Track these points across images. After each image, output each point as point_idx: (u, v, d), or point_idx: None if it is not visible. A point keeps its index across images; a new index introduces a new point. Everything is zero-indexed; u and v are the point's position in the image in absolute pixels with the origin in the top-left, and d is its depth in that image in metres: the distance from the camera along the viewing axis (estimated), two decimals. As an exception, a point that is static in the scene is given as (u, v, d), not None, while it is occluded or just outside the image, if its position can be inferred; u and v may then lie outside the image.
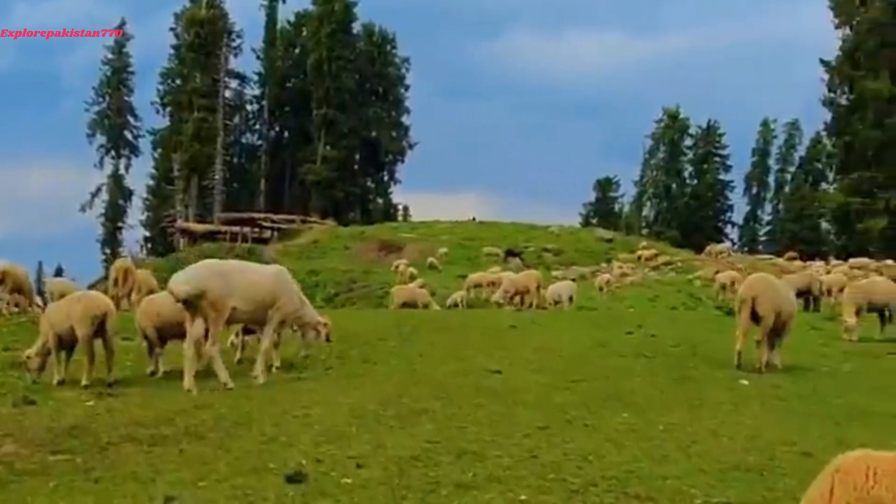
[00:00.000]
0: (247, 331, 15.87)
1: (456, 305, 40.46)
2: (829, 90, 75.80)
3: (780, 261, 54.74)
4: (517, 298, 29.88)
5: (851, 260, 50.09)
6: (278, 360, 14.58)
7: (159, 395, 11.97)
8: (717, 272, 52.03)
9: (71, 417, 10.19)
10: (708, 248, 65.09)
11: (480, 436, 8.94)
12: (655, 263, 58.09)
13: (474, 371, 13.28)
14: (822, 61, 75.47)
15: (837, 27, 74.95)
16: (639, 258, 60.33)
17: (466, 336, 17.47)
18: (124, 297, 25.97)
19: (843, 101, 75.47)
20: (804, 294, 29.76)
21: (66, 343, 13.72)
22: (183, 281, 12.10)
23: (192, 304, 12.11)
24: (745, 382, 13.23)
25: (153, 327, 14.64)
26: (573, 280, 52.91)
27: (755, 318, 14.42)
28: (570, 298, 30.64)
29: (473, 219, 79.21)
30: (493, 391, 11.51)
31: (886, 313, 19.69)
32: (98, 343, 13.56)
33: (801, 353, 16.10)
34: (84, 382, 13.06)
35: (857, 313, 19.02)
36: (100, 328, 13.48)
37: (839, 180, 75.88)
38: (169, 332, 14.59)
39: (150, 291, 26.61)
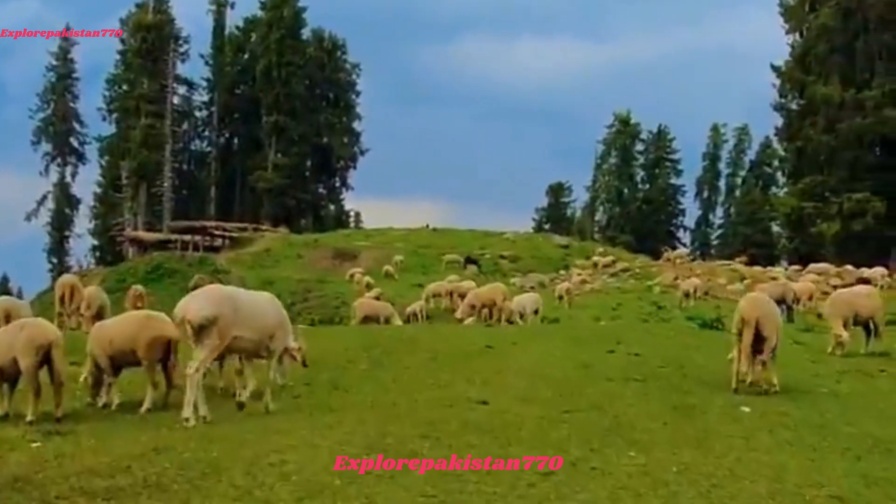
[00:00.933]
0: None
1: (416, 316, 39.51)
2: (781, 95, 75.85)
3: (740, 266, 54.37)
4: (485, 311, 28.79)
5: (811, 265, 49.77)
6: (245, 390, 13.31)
7: (114, 434, 10.79)
8: (676, 278, 51.71)
9: (14, 465, 9.02)
10: (666, 254, 64.61)
11: (481, 486, 7.92)
12: (613, 270, 57.55)
13: (458, 401, 12.21)
14: (772, 66, 75.46)
15: (788, 33, 75.08)
16: (595, 265, 59.77)
17: (440, 358, 16.40)
18: (73, 315, 24.53)
19: (794, 106, 75.45)
20: (778, 304, 29.03)
21: (9, 375, 12.50)
22: (200, 307, 11.43)
23: (202, 330, 11.39)
24: (747, 409, 12.33)
25: (106, 356, 13.42)
26: (532, 288, 52.56)
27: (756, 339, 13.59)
28: (536, 311, 29.66)
29: (427, 226, 78.21)
30: (482, 427, 10.45)
31: (871, 326, 18.96)
32: (46, 373, 12.38)
33: (791, 370, 15.26)
34: (29, 418, 11.94)
35: (844, 326, 18.26)
36: (45, 358, 12.29)
37: (791, 184, 75.77)
38: (123, 361, 13.43)
39: (101, 308, 25.30)
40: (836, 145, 69.22)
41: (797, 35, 74.62)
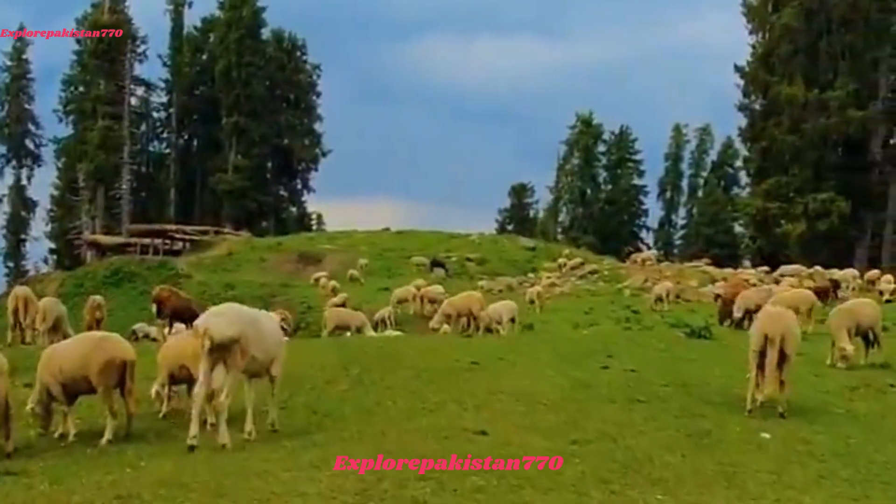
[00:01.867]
0: (174, 381, 13.44)
1: (384, 323, 38.31)
2: (745, 95, 75.35)
3: (710, 268, 53.53)
4: (462, 320, 27.40)
5: (783, 267, 49.04)
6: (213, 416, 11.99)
7: (72, 475, 9.51)
8: (646, 280, 50.87)
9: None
10: (633, 255, 63.60)
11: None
12: (581, 272, 56.57)
13: (453, 432, 11.01)
14: (736, 67, 74.95)
15: (751, 33, 74.51)
16: (562, 267, 58.78)
17: (425, 376, 15.14)
18: (28, 329, 23.04)
19: (758, 107, 75.00)
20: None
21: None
22: (226, 325, 10.92)
23: (222, 349, 10.88)
24: (768, 436, 11.34)
25: (58, 383, 12.09)
26: (500, 291, 51.53)
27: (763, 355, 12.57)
28: (512, 319, 28.47)
29: (387, 228, 76.66)
30: (485, 463, 9.28)
31: (871, 336, 18.06)
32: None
33: (799, 385, 14.19)
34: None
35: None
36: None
37: (755, 185, 75.23)
38: (76, 388, 12.12)
39: (57, 320, 23.85)
40: (801, 145, 68.83)
41: (760, 35, 74.11)
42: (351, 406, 13.22)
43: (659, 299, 39.64)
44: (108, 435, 11.67)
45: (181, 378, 13.22)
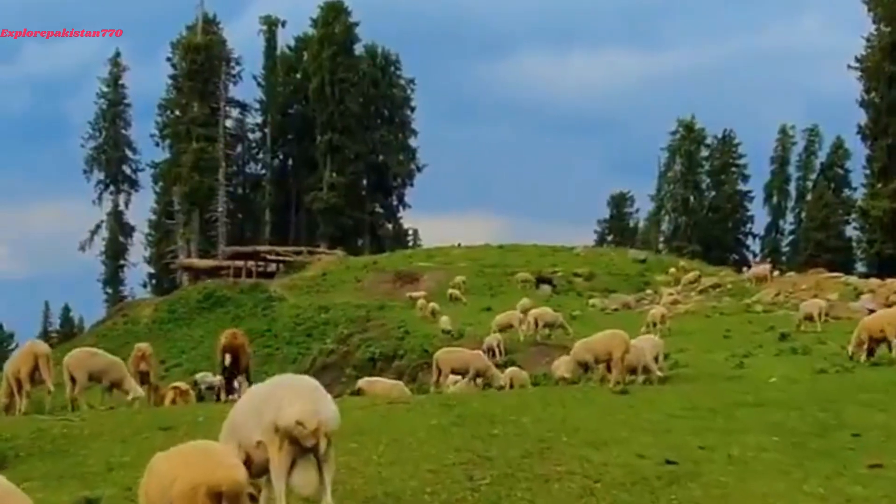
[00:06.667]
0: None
1: (492, 352, 32.23)
2: (866, 91, 67.38)
3: (852, 279, 45.87)
4: (601, 367, 20.21)
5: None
6: None
7: None
8: (777, 294, 43.91)
9: None
10: (753, 268, 55.29)
11: None
12: (701, 286, 49.58)
13: None
14: (856, 59, 67.37)
15: (874, 22, 66.49)
16: (676, 281, 51.91)
17: (599, 495, 8.99)
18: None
19: (881, 101, 66.96)
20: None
21: None
22: (336, 411, 7.81)
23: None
24: None
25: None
26: (616, 310, 44.98)
27: None
28: (657, 358, 21.78)
29: (487, 244, 70.13)
30: None
31: None
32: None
33: None
34: None
35: None
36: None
37: (880, 185, 67.05)
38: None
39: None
40: (932, 140, 60.94)
41: (883, 24, 66.06)
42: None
43: (809, 319, 32.68)
44: None
45: None
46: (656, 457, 9.91)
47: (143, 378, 19.85)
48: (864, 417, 12.46)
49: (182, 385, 23.00)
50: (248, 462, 7.78)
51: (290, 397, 7.63)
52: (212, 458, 6.38)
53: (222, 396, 21.18)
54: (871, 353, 21.73)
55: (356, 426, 12.41)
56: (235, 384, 20.30)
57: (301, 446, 7.56)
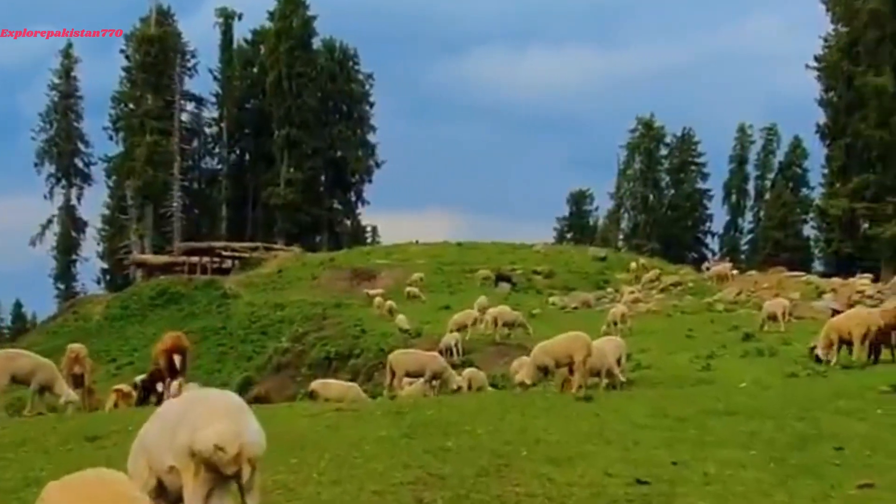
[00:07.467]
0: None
1: (450, 352, 31.26)
2: (825, 90, 67.23)
3: (814, 278, 45.45)
4: (561, 371, 19.05)
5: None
6: None
7: None
8: (739, 293, 43.37)
9: None
10: (713, 266, 54.76)
11: None
12: (661, 285, 48.93)
13: None
14: (815, 58, 67.20)
15: (832, 22, 66.43)
16: (637, 279, 51.22)
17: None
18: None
19: (840, 100, 66.84)
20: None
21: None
22: (259, 432, 6.43)
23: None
24: None
25: None
26: (575, 308, 44.19)
27: None
28: (620, 360, 20.83)
29: (446, 241, 69.08)
30: None
31: None
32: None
33: None
34: None
35: None
36: None
37: (839, 184, 66.86)
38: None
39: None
40: (890, 140, 60.76)
41: (841, 25, 65.94)
42: None
43: (773, 318, 32.01)
44: None
45: None
46: (625, 475, 8.89)
47: (78, 381, 18.59)
48: (844, 427, 11.59)
49: (124, 387, 21.95)
50: (160, 488, 6.72)
51: (207, 416, 6.43)
52: (108, 491, 5.32)
53: (165, 396, 19.85)
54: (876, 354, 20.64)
55: (299, 438, 11.46)
56: (161, 387, 18.98)
57: (220, 473, 6.42)
